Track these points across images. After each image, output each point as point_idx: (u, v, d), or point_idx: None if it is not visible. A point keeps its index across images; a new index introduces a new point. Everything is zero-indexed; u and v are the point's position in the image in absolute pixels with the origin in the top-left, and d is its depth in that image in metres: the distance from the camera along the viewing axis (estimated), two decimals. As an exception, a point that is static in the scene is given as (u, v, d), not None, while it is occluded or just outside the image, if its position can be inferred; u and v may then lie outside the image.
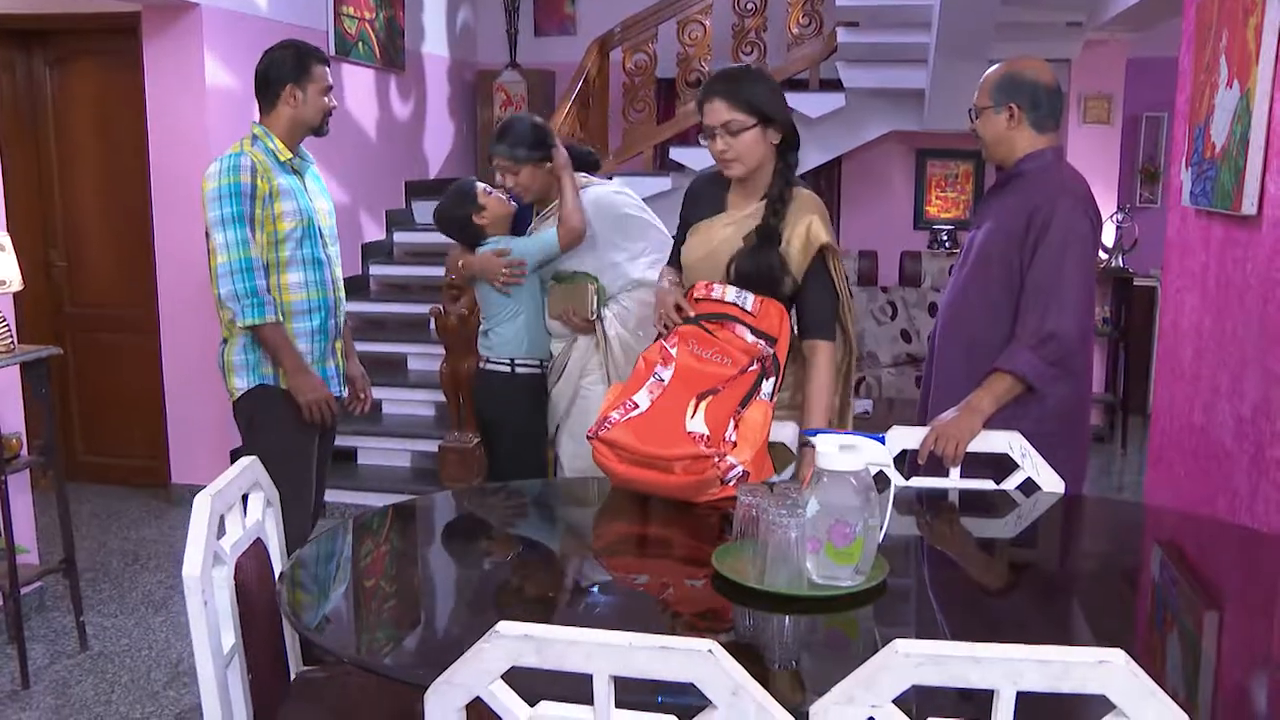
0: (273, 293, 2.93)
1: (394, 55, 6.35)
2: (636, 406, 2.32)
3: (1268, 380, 2.55)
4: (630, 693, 1.25)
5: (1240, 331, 2.75)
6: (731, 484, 2.15)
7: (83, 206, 5.21)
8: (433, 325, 4.77)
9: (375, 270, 6.17)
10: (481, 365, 3.19)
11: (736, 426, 2.26)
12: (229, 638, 1.80)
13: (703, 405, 2.27)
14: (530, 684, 1.26)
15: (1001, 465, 2.41)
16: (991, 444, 2.40)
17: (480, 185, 3.13)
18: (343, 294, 3.14)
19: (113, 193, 5.13)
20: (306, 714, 1.95)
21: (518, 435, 3.14)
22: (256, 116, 3.04)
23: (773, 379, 2.35)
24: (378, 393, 4.19)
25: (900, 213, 7.46)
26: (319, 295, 3.02)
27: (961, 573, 2.07)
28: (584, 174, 3.14)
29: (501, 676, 1.23)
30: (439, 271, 5.25)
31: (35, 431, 3.65)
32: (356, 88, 6.00)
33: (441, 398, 4.96)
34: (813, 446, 1.80)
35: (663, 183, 5.91)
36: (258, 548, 1.96)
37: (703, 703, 1.19)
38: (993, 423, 2.43)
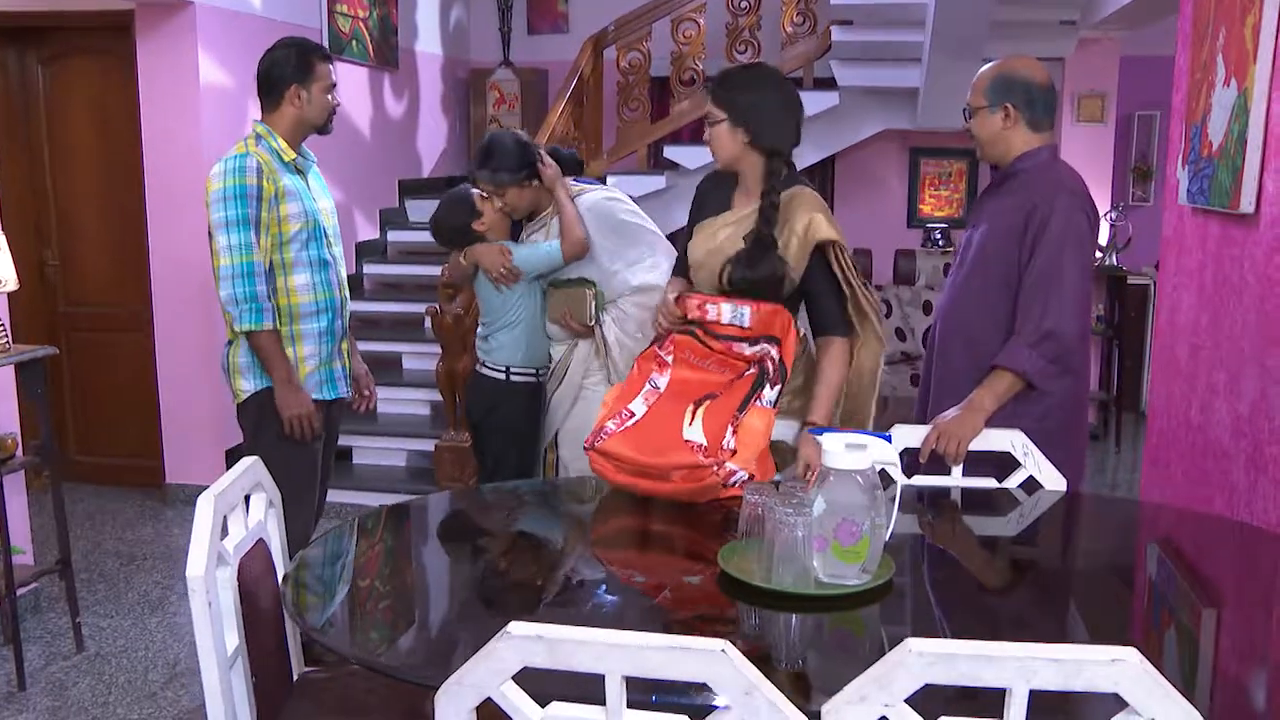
0: (280, 295, 2.91)
1: (387, 53, 6.33)
2: (633, 415, 2.31)
3: (1265, 378, 2.56)
4: (630, 692, 1.24)
5: (1238, 330, 2.75)
6: (736, 486, 2.14)
7: (77, 205, 5.18)
8: (428, 324, 4.76)
9: (369, 269, 6.15)
10: (477, 368, 3.18)
11: (735, 433, 2.23)
12: (232, 638, 1.80)
13: (700, 411, 2.26)
14: (535, 684, 1.25)
15: (1003, 463, 2.42)
16: (993, 442, 2.41)
17: (476, 192, 3.11)
18: (348, 294, 3.12)
19: (107, 191, 5.11)
20: (309, 714, 1.95)
21: (506, 439, 3.14)
22: (256, 115, 3.01)
23: (778, 386, 2.31)
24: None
25: (894, 211, 7.47)
26: (326, 296, 3.00)
27: (964, 571, 2.07)
28: (571, 179, 3.13)
29: (511, 677, 1.22)
30: (433, 270, 5.24)
31: (30, 432, 3.64)
32: (350, 86, 5.98)
33: (437, 397, 4.95)
34: (815, 436, 1.80)
35: (657, 181, 5.91)
36: (260, 548, 1.96)
37: (699, 703, 1.18)
38: (994, 420, 2.44)
